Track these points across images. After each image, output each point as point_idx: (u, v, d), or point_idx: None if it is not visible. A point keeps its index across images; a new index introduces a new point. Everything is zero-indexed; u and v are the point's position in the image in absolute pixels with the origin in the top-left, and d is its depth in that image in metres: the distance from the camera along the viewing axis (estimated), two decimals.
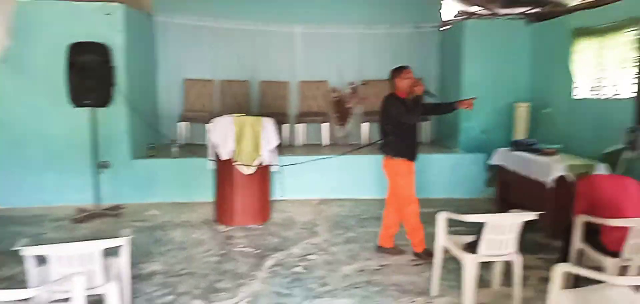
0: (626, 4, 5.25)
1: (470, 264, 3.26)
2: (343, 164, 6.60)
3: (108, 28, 6.06)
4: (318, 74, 8.12)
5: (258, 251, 4.66)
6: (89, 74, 5.41)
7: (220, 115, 5.63)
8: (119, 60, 6.01)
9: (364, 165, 6.67)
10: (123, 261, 3.13)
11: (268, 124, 5.43)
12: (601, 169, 4.74)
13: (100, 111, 5.76)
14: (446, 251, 3.62)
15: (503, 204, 5.77)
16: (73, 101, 5.46)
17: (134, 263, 3.96)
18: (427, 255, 4.25)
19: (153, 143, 6.88)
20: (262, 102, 7.96)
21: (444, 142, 7.86)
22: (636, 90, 5.13)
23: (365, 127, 7.75)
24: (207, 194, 5.88)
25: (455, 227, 3.76)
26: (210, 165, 5.56)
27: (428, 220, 5.37)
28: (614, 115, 5.42)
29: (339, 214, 5.90)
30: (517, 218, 3.24)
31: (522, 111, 6.86)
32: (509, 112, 7.07)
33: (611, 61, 5.49)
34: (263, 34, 7.98)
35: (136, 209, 6.07)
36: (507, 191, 5.85)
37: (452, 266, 3.96)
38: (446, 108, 4.66)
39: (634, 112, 5.12)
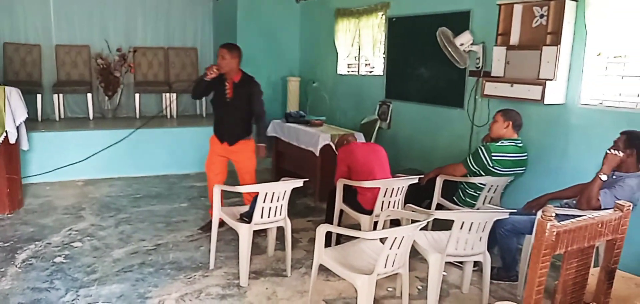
0: None
1: (245, 233, 3.34)
2: (113, 140, 6.03)
3: None
4: (78, 37, 7.22)
5: (7, 244, 3.98)
6: None
7: None
8: None
9: (138, 140, 6.20)
10: None
11: (14, 94, 4.60)
12: (360, 138, 5.37)
13: None
14: (221, 224, 3.64)
15: (278, 173, 6.09)
16: None
17: None
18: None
19: None
20: (8, 68, 6.71)
21: None
22: (384, 67, 5.94)
23: (137, 98, 7.23)
24: None
25: (231, 199, 3.80)
26: None
27: (206, 194, 5.40)
28: (370, 90, 6.20)
29: (109, 195, 5.41)
30: (287, 186, 3.43)
31: (294, 84, 7.32)
32: (283, 85, 7.46)
33: (366, 41, 6.21)
34: None
35: None
36: (282, 160, 6.19)
37: (229, 237, 4.02)
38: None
39: (384, 87, 5.93)
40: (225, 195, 3.77)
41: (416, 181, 3.78)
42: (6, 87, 4.59)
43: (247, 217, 3.43)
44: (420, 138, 5.46)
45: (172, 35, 7.91)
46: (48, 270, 3.55)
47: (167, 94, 7.43)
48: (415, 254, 3.15)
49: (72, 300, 3.14)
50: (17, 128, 4.66)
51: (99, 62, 7.24)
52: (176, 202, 5.23)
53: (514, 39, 4.13)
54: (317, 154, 5.19)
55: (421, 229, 2.76)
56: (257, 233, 3.69)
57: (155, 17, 7.66)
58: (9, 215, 4.65)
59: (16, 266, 3.59)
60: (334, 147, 5.01)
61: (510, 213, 3.17)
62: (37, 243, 4.03)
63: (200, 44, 8.08)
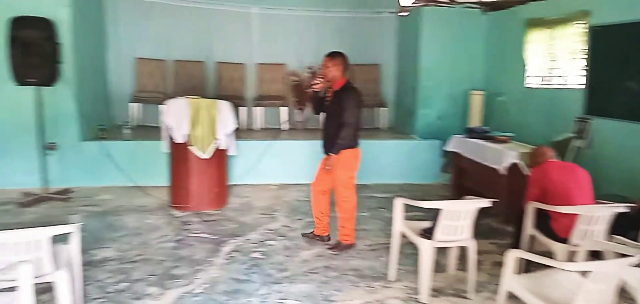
0: None
1: (426, 249, 3.31)
2: (303, 149, 6.57)
3: (53, 2, 5.71)
4: (276, 56, 8.01)
5: (215, 237, 4.58)
6: (32, 50, 5.11)
7: (175, 97, 5.46)
8: (66, 36, 5.70)
9: None
10: (73, 248, 2.99)
11: (225, 107, 5.31)
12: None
13: (46, 89, 5.46)
14: (403, 236, 3.67)
15: (458, 190, 5.91)
16: (16, 78, 5.14)
17: (85, 249, 3.81)
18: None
19: (104, 124, 6.59)
20: (219, 84, 7.80)
21: (400, 128, 7.97)
22: (585, 81, 5.35)
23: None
24: (161, 178, 5.71)
25: (411, 212, 3.80)
26: (165, 148, 5.40)
27: (385, 205, 5.51)
28: (564, 104, 5.64)
29: (298, 199, 5.88)
30: (472, 205, 3.31)
31: (477, 98, 7.04)
32: (465, 99, 7.24)
33: (562, 52, 5.69)
34: (219, 14, 7.78)
35: (87, 193, 5.82)
36: (462, 177, 5.99)
37: (409, 251, 4.03)
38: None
39: (583, 102, 5.34)
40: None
41: (627, 209, 3.31)
42: (219, 101, 5.33)
43: (429, 234, 3.40)
44: (628, 160, 4.77)
45: (357, 52, 8.24)
46: (246, 264, 3.98)
47: None
48: (622, 294, 2.76)
49: (266, 294, 3.46)
50: (227, 136, 5.36)
51: (293, 79, 7.94)
52: (357, 210, 5.41)
53: None
54: (503, 172, 4.90)
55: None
56: (438, 250, 3.63)
57: (342, 36, 8.09)
58: (217, 212, 5.35)
59: (221, 258, 4.11)
60: (523, 166, 4.68)
61: None
62: (238, 238, 4.55)
63: (383, 60, 8.28)
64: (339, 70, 4.09)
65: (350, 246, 4.30)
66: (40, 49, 5.16)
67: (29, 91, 5.38)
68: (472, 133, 5.82)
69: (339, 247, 4.28)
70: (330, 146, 4.10)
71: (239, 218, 5.13)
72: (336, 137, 4.01)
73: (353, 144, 4.12)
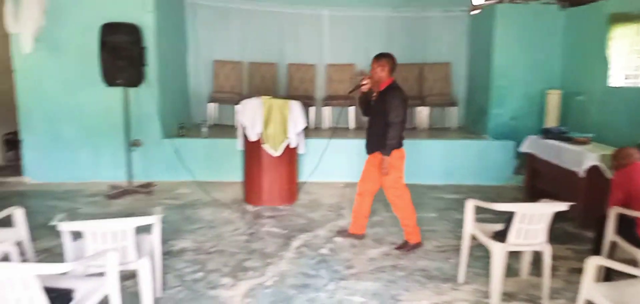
0: None
1: (499, 252, 3.24)
2: None
3: (139, 9, 6.14)
4: (345, 57, 8.09)
5: (285, 231, 4.72)
6: (120, 54, 5.51)
7: (249, 97, 5.68)
8: (150, 41, 6.10)
9: None
10: (155, 238, 3.22)
11: (295, 106, 5.45)
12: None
13: (132, 90, 5.88)
14: (473, 239, 3.61)
15: (532, 192, 5.71)
16: (105, 80, 5.57)
17: (165, 239, 4.08)
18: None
19: (183, 123, 6.99)
20: (290, 84, 8.00)
21: (471, 128, 7.78)
22: None
23: None
24: (235, 174, 5.97)
25: (482, 214, 3.73)
26: (239, 146, 5.63)
27: (455, 207, 5.41)
28: None
29: None
30: (548, 208, 3.19)
31: (554, 98, 6.73)
32: (540, 99, 6.95)
33: None
34: (291, 17, 7.99)
35: (166, 187, 6.21)
36: (536, 179, 5.77)
37: (479, 253, 3.95)
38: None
39: None
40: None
41: None
42: (290, 101, 5.48)
43: (501, 236, 3.32)
44: None
45: (427, 51, 8.16)
46: (315, 259, 4.08)
47: (420, 108, 7.72)
48: None
49: (334, 290, 3.53)
50: (297, 135, 5.50)
51: (360, 78, 7.95)
52: (425, 211, 5.37)
53: None
54: (582, 175, 4.67)
55: None
56: (510, 253, 3.53)
57: (412, 35, 8.02)
58: (287, 207, 5.50)
59: (291, 252, 4.23)
60: (605, 168, 4.43)
61: None
62: (307, 233, 4.67)
63: (454, 58, 8.12)
64: (385, 71, 4.13)
65: (417, 245, 4.30)
66: (128, 53, 5.56)
67: (117, 92, 5.82)
68: (548, 134, 5.58)
69: (406, 247, 4.29)
70: (374, 146, 4.18)
71: (308, 214, 5.25)
72: (384, 138, 4.02)
73: (399, 145, 4.12)
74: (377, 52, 4.23)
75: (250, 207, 5.46)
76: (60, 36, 6.11)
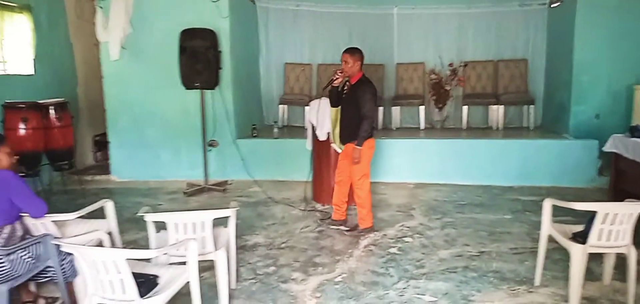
0: None
1: (578, 254, 3.07)
2: (440, 149, 6.49)
3: (215, 14, 6.43)
4: (415, 55, 8.01)
5: (353, 230, 4.75)
6: (198, 58, 5.81)
7: (318, 98, 5.77)
8: (225, 45, 6.38)
9: (463, 150, 6.50)
10: (230, 231, 3.37)
11: None
12: None
13: (209, 93, 6.18)
14: (551, 240, 3.45)
15: (617, 194, 5.33)
16: (184, 83, 5.90)
17: (239, 234, 4.24)
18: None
19: (256, 124, 7.24)
20: None
21: (551, 126, 7.40)
22: None
23: (465, 110, 7.53)
24: (304, 173, 6.07)
25: (561, 216, 3.55)
26: (308, 145, 5.74)
27: (531, 209, 5.19)
28: None
29: (436, 199, 5.81)
30: (633, 208, 2.99)
31: None
32: (627, 94, 6.48)
33: None
34: (359, 17, 8.03)
35: (240, 185, 6.45)
36: (622, 181, 5.38)
37: (556, 256, 3.78)
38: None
39: None
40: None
41: None
42: None
43: (581, 238, 3.15)
44: None
45: (502, 47, 7.88)
46: (384, 258, 4.08)
47: (494, 106, 7.47)
48: None
49: (403, 288, 3.52)
50: None
51: (432, 77, 7.86)
52: (499, 213, 5.20)
53: None
54: None
55: None
56: (591, 256, 3.34)
57: (487, 31, 7.79)
58: (355, 206, 5.50)
59: (360, 250, 4.26)
60: None
61: None
62: (375, 233, 4.67)
63: (531, 55, 7.78)
64: (357, 65, 4.37)
65: (369, 230, 4.62)
66: (205, 57, 5.85)
67: (194, 94, 6.14)
68: (635, 132, 5.19)
69: (356, 229, 4.65)
70: (347, 137, 4.47)
71: (376, 214, 5.22)
72: (358, 129, 4.26)
73: (370, 135, 4.39)
74: (348, 46, 4.52)
75: (319, 206, 5.54)
76: (143, 43, 6.54)
